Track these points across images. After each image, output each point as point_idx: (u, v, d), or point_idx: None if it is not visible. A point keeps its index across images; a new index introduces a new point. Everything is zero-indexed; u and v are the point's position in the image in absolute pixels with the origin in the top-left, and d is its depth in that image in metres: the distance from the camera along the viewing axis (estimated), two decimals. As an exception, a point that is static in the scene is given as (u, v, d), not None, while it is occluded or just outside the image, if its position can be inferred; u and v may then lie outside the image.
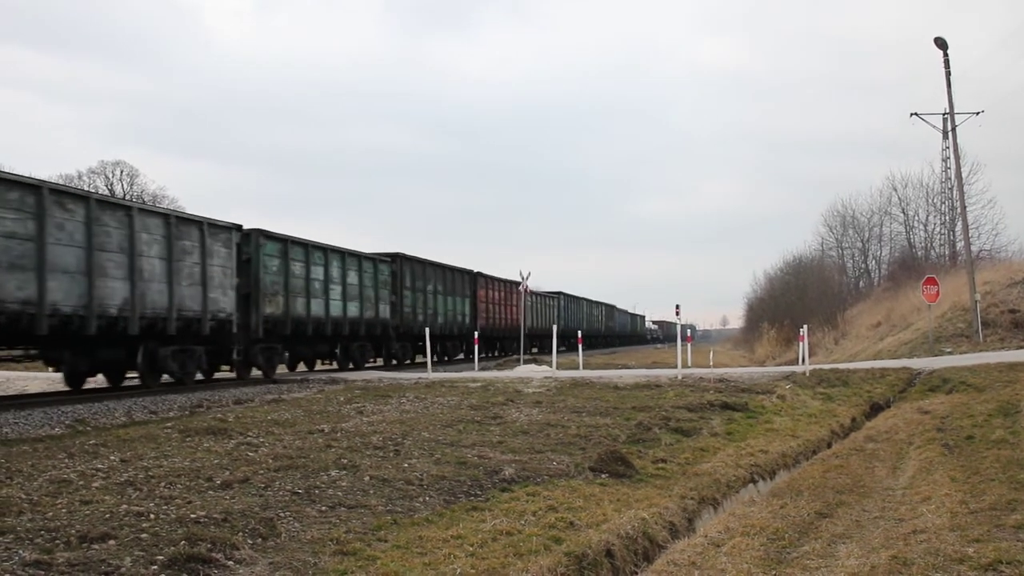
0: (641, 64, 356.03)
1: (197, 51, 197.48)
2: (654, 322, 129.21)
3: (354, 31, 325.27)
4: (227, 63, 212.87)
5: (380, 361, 32.22)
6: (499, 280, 43.96)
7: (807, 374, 22.03)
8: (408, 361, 34.15)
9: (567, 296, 61.22)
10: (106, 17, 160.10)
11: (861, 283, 67.25)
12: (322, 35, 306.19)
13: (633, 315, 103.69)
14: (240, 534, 6.72)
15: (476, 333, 34.80)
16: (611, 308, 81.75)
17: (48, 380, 23.34)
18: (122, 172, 68.26)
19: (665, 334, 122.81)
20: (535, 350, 50.83)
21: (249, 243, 22.35)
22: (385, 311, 29.92)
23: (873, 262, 67.70)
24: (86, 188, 51.65)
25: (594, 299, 72.70)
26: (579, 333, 33.73)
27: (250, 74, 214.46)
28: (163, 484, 8.44)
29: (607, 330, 78.20)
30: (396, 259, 31.57)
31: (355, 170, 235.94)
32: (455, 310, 37.28)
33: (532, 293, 48.17)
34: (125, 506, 7.41)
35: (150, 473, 8.97)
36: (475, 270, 40.33)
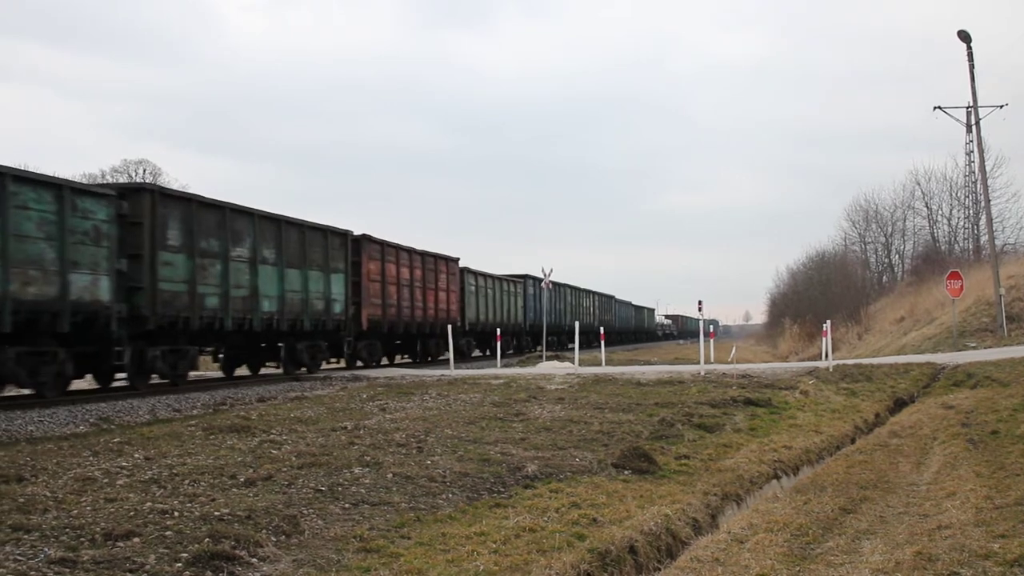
0: (662, 58, 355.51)
1: (213, 47, 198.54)
2: (667, 316, 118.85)
3: (371, 27, 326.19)
4: (243, 59, 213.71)
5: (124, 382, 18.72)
6: (409, 251, 30.26)
7: (830, 369, 21.91)
8: (214, 377, 23.60)
9: (538, 281, 44.93)
10: (118, 13, 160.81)
11: (884, 278, 66.87)
12: (339, 30, 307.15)
13: (638, 308, 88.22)
14: (264, 531, 6.75)
15: (498, 331, 32.74)
16: (608, 299, 68.98)
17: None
18: (145, 170, 68.51)
19: (680, 329, 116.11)
20: (481, 352, 40.01)
21: None
22: (97, 287, 16.29)
23: (896, 257, 67.35)
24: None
25: (584, 287, 58.54)
26: (601, 329, 32.99)
27: (266, 70, 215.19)
28: (187, 482, 8.48)
29: (603, 325, 58.53)
30: (136, 195, 17.83)
31: (374, 166, 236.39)
32: (309, 291, 23.16)
33: (475, 274, 37.43)
34: (149, 504, 7.45)
35: (174, 471, 9.02)
36: (353, 232, 26.30)
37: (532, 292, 45.32)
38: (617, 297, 73.01)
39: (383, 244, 28.28)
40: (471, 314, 36.62)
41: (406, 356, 33.36)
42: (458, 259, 35.03)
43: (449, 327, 27.67)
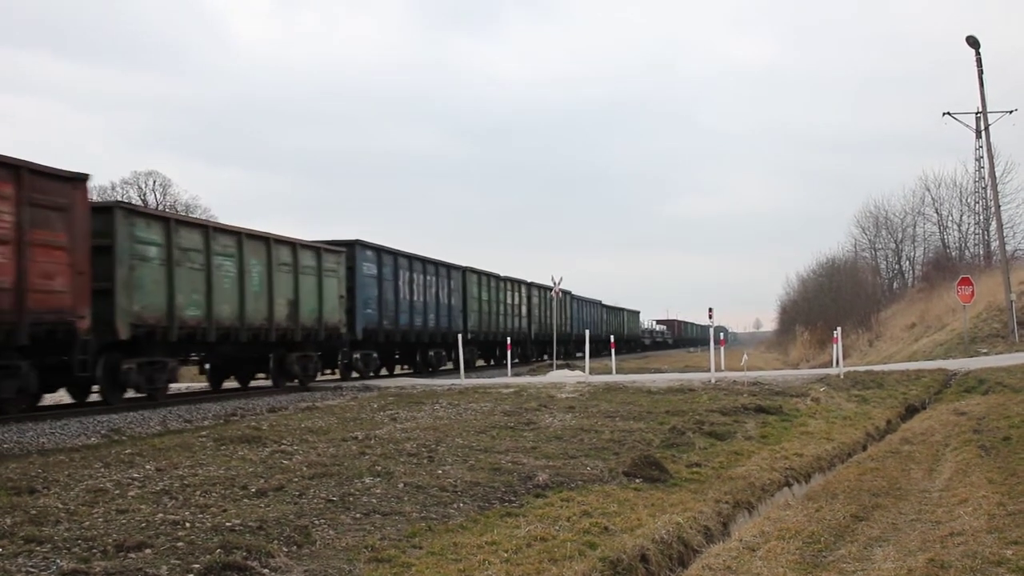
0: (671, 63, 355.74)
1: (220, 56, 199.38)
2: (659, 321, 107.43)
3: (377, 32, 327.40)
4: (250, 67, 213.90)
5: None
6: None
7: (841, 376, 21.86)
8: None
9: (382, 252, 27.78)
10: (123, 23, 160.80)
11: (895, 284, 66.80)
12: (346, 37, 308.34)
13: (614, 309, 70.88)
14: (275, 542, 6.76)
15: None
16: (562, 296, 47.47)
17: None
18: (155, 182, 68.44)
19: (676, 337, 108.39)
20: (271, 374, 22.85)
21: None
22: None
23: (907, 263, 67.30)
24: (119, 199, 50.91)
25: (517, 277, 40.82)
26: (611, 338, 32.32)
27: (273, 78, 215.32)
28: (198, 493, 8.49)
29: (544, 329, 44.91)
30: None
31: (384, 173, 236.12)
32: None
33: (164, 221, 17.74)
34: (161, 515, 7.46)
35: (185, 482, 9.03)
36: None
37: (370, 272, 26.84)
38: (575, 293, 54.36)
39: None
40: (152, 303, 17.23)
41: None
42: (85, 177, 15.00)
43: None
